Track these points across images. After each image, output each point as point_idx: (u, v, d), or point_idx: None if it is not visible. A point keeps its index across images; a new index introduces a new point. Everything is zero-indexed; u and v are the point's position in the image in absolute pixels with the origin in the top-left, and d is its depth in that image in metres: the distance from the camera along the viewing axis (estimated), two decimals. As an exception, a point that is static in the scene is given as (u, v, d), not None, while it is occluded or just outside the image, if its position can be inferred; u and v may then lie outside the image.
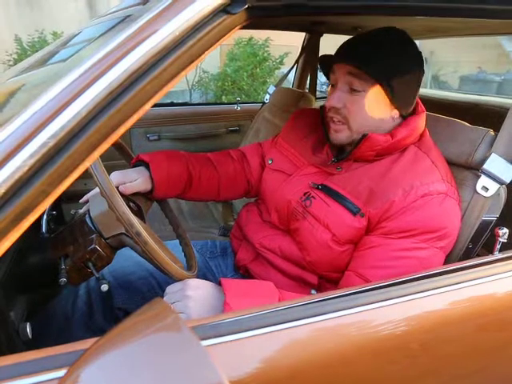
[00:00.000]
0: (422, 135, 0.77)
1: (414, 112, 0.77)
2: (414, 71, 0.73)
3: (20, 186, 0.37)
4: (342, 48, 0.75)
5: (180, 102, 2.71)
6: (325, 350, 0.49)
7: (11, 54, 4.01)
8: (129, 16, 0.59)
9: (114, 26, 0.61)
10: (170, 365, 0.32)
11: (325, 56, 0.80)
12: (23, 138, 0.37)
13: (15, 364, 0.38)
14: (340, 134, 0.76)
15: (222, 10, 0.43)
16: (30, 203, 0.38)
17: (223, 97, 4.49)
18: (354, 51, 0.72)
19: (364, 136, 0.71)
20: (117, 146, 0.86)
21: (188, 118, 1.88)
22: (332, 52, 0.79)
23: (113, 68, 0.40)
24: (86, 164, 0.40)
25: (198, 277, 0.66)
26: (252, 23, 0.47)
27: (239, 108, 1.90)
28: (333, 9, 0.55)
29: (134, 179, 0.80)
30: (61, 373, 0.37)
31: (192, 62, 0.44)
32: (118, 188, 0.76)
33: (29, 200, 0.38)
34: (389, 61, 0.70)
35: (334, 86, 0.76)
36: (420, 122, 0.75)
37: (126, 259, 0.84)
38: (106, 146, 0.42)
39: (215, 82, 4.66)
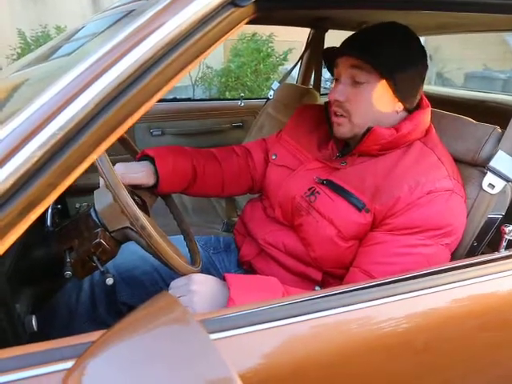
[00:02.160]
0: (427, 131, 0.76)
1: (419, 107, 0.77)
2: (417, 65, 0.73)
3: (28, 177, 0.37)
4: (346, 41, 0.75)
5: (183, 97, 2.70)
6: (327, 346, 0.49)
7: (15, 49, 4.02)
8: (133, 10, 0.59)
9: (118, 21, 0.61)
10: (178, 358, 0.32)
11: (327, 49, 0.79)
12: (32, 129, 0.37)
13: (23, 355, 0.38)
14: (342, 128, 0.76)
15: (230, 3, 0.43)
16: (37, 195, 0.38)
17: (227, 93, 4.48)
18: (356, 44, 0.72)
19: (368, 130, 0.71)
20: (121, 140, 0.85)
21: (191, 114, 1.87)
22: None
23: (121, 60, 0.40)
24: (94, 156, 0.40)
25: (201, 272, 0.66)
26: (258, 18, 0.47)
27: (243, 104, 1.89)
28: (340, 2, 0.55)
29: (138, 172, 0.80)
30: (67, 364, 0.37)
31: (199, 55, 0.44)
32: None
33: (37, 192, 0.38)
34: (391, 53, 0.70)
35: (337, 80, 0.76)
36: (425, 116, 0.75)
37: (130, 254, 0.84)
38: (113, 138, 0.42)
39: (219, 78, 4.64)
